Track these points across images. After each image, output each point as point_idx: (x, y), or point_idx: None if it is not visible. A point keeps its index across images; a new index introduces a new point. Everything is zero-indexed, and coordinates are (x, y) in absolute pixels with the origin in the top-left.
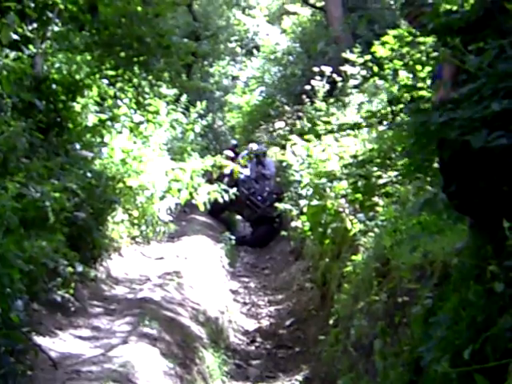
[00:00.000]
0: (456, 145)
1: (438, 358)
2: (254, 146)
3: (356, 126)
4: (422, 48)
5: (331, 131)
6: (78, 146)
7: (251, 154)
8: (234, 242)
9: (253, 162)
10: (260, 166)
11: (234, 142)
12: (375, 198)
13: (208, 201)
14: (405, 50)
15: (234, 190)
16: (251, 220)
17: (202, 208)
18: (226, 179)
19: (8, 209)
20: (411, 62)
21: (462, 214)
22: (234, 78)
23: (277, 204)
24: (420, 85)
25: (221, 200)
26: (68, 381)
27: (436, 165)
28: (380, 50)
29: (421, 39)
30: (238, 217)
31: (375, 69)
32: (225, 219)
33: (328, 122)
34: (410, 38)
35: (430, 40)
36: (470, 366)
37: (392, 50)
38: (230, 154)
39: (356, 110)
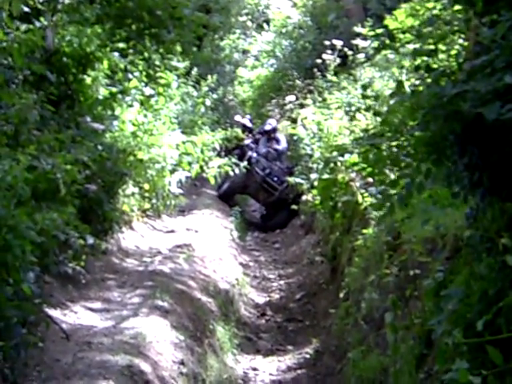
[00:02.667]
0: (469, 117)
1: (449, 331)
2: (272, 122)
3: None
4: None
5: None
6: (88, 119)
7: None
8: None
9: (264, 137)
10: (272, 142)
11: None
12: (386, 171)
13: (217, 177)
14: (416, 22)
15: (245, 163)
16: (267, 204)
17: (212, 181)
18: (236, 151)
19: (20, 180)
20: (426, 32)
21: (474, 186)
22: (245, 52)
23: (287, 178)
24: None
25: (231, 173)
26: (79, 352)
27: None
28: (392, 24)
29: (435, 12)
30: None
31: (387, 42)
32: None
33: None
34: (422, 11)
35: (444, 13)
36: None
37: (403, 22)
38: (248, 123)
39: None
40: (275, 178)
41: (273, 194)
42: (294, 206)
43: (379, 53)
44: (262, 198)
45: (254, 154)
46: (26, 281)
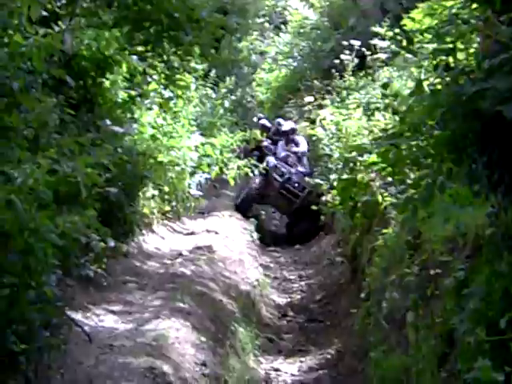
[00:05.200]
0: (488, 115)
1: (471, 330)
2: (290, 124)
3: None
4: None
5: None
6: (108, 122)
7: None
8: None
9: (283, 140)
10: (291, 145)
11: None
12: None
13: (237, 179)
14: (434, 22)
15: (264, 164)
16: (289, 213)
17: (232, 183)
18: (255, 153)
19: (41, 183)
20: (442, 35)
21: (495, 185)
22: (263, 54)
23: (307, 178)
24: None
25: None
26: (101, 355)
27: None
28: (409, 24)
29: (453, 11)
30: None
31: (404, 43)
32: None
33: None
34: (440, 10)
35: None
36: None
37: (421, 22)
38: (267, 123)
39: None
40: (296, 184)
41: (294, 202)
42: (313, 207)
43: (398, 55)
44: (283, 207)
45: (272, 159)
46: (48, 284)
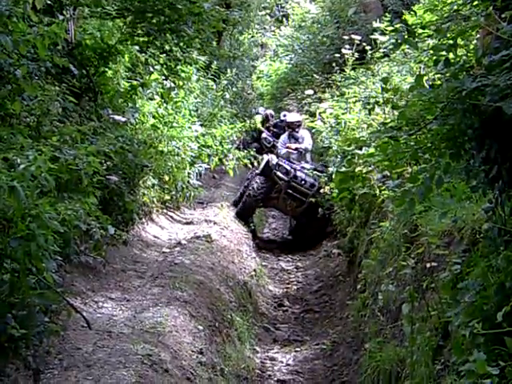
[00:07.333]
0: (487, 111)
1: (466, 323)
2: (295, 116)
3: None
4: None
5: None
6: (110, 111)
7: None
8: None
9: (285, 134)
10: (293, 140)
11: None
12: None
13: (236, 169)
14: (434, 18)
15: (265, 157)
16: (296, 215)
17: (231, 174)
18: (254, 145)
19: (44, 170)
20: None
21: (492, 180)
22: (263, 46)
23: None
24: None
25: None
26: (100, 341)
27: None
28: (410, 18)
29: (454, 7)
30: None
31: (405, 37)
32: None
33: None
34: (441, 6)
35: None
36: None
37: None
38: (269, 115)
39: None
40: (303, 182)
41: (303, 202)
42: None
43: (398, 48)
44: (291, 208)
45: (273, 157)
46: (48, 270)
